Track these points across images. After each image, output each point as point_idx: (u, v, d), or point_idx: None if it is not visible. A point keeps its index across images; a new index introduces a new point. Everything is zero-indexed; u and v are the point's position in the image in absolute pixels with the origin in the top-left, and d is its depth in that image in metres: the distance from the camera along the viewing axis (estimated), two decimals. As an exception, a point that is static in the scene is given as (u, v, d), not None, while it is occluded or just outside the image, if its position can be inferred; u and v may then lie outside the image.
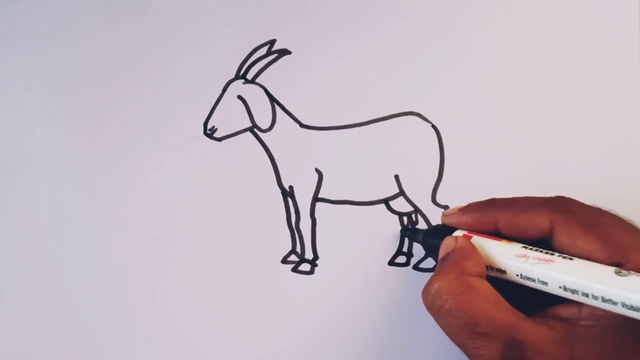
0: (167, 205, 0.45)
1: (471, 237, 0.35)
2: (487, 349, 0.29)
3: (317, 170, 0.45)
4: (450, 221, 0.38)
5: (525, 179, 0.43)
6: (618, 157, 0.42)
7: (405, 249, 0.43)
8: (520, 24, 0.44)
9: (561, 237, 0.32)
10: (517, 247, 0.33)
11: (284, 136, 0.45)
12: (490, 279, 0.33)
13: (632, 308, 0.27)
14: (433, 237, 0.39)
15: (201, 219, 0.45)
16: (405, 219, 0.44)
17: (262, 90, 0.46)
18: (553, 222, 0.32)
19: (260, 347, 0.44)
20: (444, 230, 0.38)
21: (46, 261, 0.45)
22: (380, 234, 0.44)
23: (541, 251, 0.32)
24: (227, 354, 0.44)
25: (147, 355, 0.44)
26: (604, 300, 0.28)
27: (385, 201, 0.44)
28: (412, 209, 0.44)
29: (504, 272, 0.33)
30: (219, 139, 0.46)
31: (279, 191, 0.45)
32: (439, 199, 0.44)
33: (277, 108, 0.45)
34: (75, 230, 0.46)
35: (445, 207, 0.43)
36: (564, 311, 0.31)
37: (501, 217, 0.34)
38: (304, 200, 0.45)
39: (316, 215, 0.44)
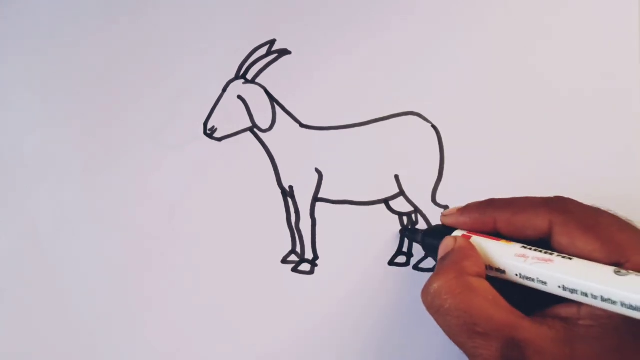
0: (167, 205, 0.45)
1: (470, 237, 0.35)
2: (487, 348, 0.29)
3: (317, 170, 0.45)
4: (449, 221, 0.38)
5: (525, 179, 0.43)
6: (618, 157, 0.42)
7: (405, 249, 0.43)
8: (520, 24, 0.44)
9: (560, 237, 0.32)
10: (516, 247, 0.33)
11: (284, 136, 0.45)
12: (489, 279, 0.33)
13: (631, 307, 0.27)
14: (432, 237, 0.39)
15: (201, 219, 0.45)
16: (405, 219, 0.44)
17: (262, 90, 0.46)
18: (552, 222, 0.32)
19: (260, 347, 0.44)
20: (443, 230, 0.38)
21: (46, 261, 0.45)
22: (380, 234, 0.44)
23: (540, 251, 0.32)
24: (227, 354, 0.44)
25: (147, 355, 0.44)
26: (603, 299, 0.28)
27: (385, 201, 0.44)
28: (412, 209, 0.44)
29: (503, 272, 0.33)
30: (219, 139, 0.46)
31: (279, 191, 0.45)
32: (438, 199, 0.44)
33: (277, 108, 0.45)
34: (75, 230, 0.46)
35: (445, 207, 0.43)
36: (563, 311, 0.31)
37: (500, 217, 0.34)
38: (304, 200, 0.45)
39: (316, 215, 0.44)
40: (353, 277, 0.43)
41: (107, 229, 0.45)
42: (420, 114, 0.44)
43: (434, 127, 0.44)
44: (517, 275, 0.32)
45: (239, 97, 0.46)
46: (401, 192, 0.44)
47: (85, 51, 0.47)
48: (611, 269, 0.29)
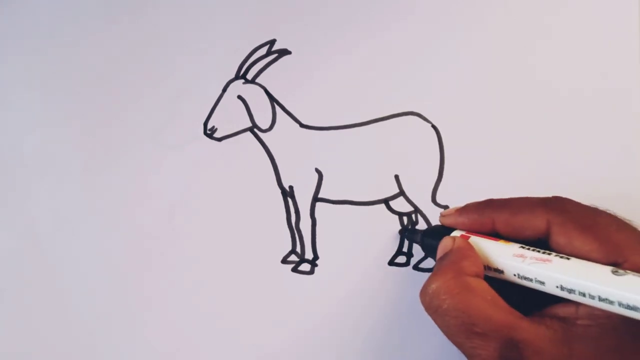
0: (167, 205, 0.45)
1: (469, 237, 0.35)
2: (485, 348, 0.29)
3: (317, 170, 0.45)
4: (447, 222, 0.38)
5: (525, 179, 0.43)
6: (618, 157, 0.42)
7: (405, 249, 0.43)
8: (520, 24, 0.44)
9: (558, 237, 0.32)
10: (514, 247, 0.33)
11: (284, 136, 0.45)
12: (488, 279, 0.33)
13: (629, 307, 0.26)
14: (431, 237, 0.39)
15: (201, 219, 0.45)
16: (405, 219, 0.44)
17: (262, 90, 0.46)
18: (550, 222, 0.32)
19: (260, 347, 0.44)
20: (442, 230, 0.38)
21: (46, 261, 0.46)
22: (380, 234, 0.44)
23: (538, 251, 0.32)
24: (227, 354, 0.44)
25: (147, 355, 0.44)
26: (601, 299, 0.28)
27: (385, 201, 0.44)
28: (412, 209, 0.44)
29: (501, 272, 0.33)
30: (219, 139, 0.46)
31: (279, 191, 0.45)
32: (438, 199, 0.44)
33: (277, 108, 0.45)
34: (75, 230, 0.46)
35: (445, 207, 0.43)
36: (561, 311, 0.31)
37: (498, 217, 0.34)
38: (304, 200, 0.45)
39: (316, 215, 0.44)
40: (353, 277, 0.44)
41: (107, 229, 0.45)
42: (420, 114, 0.44)
43: (434, 127, 0.44)
44: (515, 275, 0.32)
45: (239, 97, 0.46)
46: (401, 192, 0.44)
47: (85, 51, 0.47)
48: (609, 268, 0.29)
